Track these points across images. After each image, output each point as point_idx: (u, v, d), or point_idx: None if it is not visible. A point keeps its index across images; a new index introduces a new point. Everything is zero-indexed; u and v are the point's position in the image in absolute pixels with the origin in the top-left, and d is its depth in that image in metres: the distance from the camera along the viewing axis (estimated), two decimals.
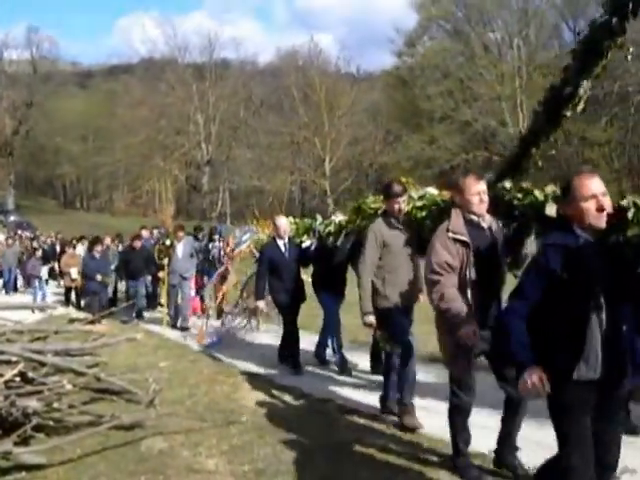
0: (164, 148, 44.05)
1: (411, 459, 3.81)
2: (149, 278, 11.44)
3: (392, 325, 4.53)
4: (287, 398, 5.32)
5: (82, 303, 12.59)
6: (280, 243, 6.41)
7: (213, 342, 7.97)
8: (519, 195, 4.14)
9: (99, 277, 11.12)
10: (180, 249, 9.92)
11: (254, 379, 6.06)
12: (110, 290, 12.38)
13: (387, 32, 54.09)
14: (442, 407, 3.84)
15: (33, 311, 11.34)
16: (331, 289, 6.39)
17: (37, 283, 14.88)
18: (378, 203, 5.34)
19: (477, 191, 3.50)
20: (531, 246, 3.79)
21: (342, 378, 6.04)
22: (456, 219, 3.51)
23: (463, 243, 3.43)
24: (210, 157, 44.63)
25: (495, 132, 34.30)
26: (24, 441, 4.03)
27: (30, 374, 4.53)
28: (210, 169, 44.73)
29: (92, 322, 7.48)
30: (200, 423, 4.65)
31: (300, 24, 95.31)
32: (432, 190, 4.97)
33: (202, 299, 10.48)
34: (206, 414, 4.91)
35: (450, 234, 3.45)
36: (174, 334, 9.21)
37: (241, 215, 43.13)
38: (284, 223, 6.53)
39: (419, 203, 4.85)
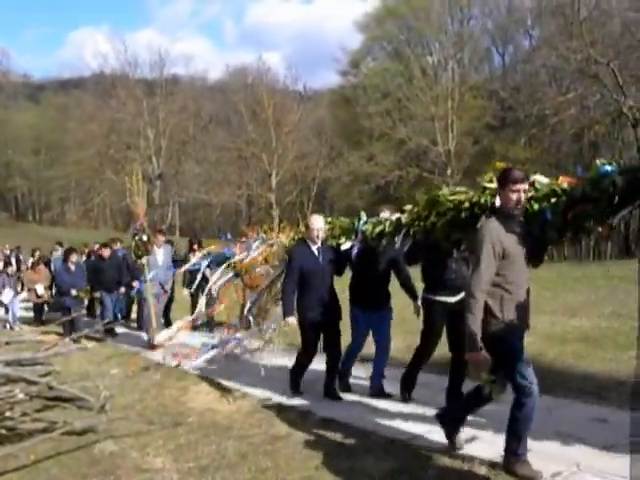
0: (115, 162, 42.99)
1: (338, 449, 3.99)
2: (122, 290, 10.13)
3: (510, 362, 3.31)
4: (232, 399, 5.41)
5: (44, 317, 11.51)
6: (313, 247, 5.20)
7: (196, 364, 6.57)
8: None
9: (74, 292, 9.67)
10: (160, 256, 8.54)
11: (202, 382, 6.11)
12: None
13: (333, 52, 54.39)
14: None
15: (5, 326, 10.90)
16: (367, 303, 5.18)
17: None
18: (458, 195, 4.22)
19: None
20: None
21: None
22: None
23: None
24: (161, 171, 43.88)
25: (426, 150, 35.14)
26: None
27: None
28: (161, 183, 43.96)
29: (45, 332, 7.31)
30: (149, 426, 4.72)
31: (249, 42, 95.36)
32: (541, 177, 3.87)
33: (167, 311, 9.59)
34: (155, 417, 4.98)
35: None
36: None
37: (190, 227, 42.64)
38: (320, 225, 5.23)
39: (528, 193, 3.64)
